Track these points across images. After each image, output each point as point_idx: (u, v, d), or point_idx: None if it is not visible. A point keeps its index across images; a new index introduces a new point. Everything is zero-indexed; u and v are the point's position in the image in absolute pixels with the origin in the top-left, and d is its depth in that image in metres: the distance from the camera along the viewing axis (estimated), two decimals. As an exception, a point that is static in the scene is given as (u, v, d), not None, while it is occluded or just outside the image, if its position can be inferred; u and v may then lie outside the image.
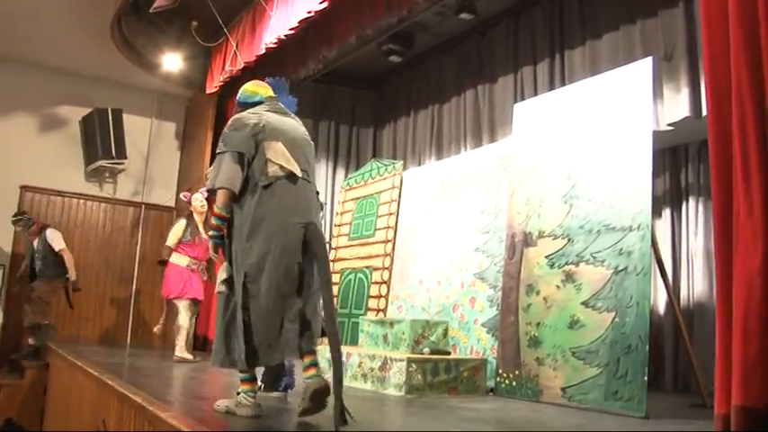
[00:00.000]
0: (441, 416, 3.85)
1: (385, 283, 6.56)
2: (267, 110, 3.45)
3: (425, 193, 6.62)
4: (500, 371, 4.95)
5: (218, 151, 3.35)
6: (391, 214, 6.80)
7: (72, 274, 7.58)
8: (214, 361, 3.29)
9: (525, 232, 5.07)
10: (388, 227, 6.78)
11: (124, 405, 3.89)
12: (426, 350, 4.94)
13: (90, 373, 4.93)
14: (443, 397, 4.60)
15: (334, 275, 7.29)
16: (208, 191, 3.50)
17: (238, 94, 3.64)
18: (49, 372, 7.33)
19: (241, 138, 3.27)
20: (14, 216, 7.89)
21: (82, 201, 8.90)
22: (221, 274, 3.32)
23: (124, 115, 8.68)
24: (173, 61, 8.07)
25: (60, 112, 8.80)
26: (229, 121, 3.41)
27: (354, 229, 7.35)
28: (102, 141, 8.57)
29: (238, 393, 3.27)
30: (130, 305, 8.86)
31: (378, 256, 6.81)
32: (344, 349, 5.22)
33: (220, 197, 3.25)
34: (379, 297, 6.57)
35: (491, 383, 5.01)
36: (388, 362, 4.66)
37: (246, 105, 3.54)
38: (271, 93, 3.63)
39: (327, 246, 3.48)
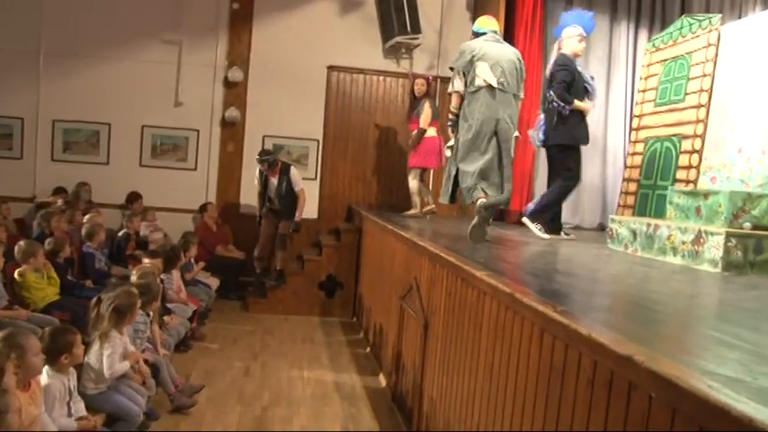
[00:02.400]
0: (765, 296, 3.52)
1: (696, 152, 5.99)
2: (486, 39, 5.27)
3: (749, 51, 5.77)
4: (841, 252, 4.33)
5: (450, 65, 5.38)
6: (705, 76, 6.09)
7: (299, 215, 8.07)
8: (441, 198, 5.45)
9: None
10: (702, 90, 6.09)
11: (436, 265, 4.15)
12: (747, 225, 4.48)
13: (402, 235, 5.32)
14: (766, 277, 4.18)
15: (638, 144, 6.89)
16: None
17: (474, 25, 5.50)
18: (361, 235, 8.10)
19: (463, 60, 5.19)
20: (261, 155, 8.06)
21: (381, 77, 9.36)
22: (451, 142, 5.37)
23: (416, -10, 8.80)
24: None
25: (357, -8, 9.20)
26: (460, 48, 5.29)
27: (661, 95, 6.73)
28: (397, 18, 8.83)
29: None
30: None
31: (689, 122, 6.19)
32: (651, 221, 5.00)
33: (453, 99, 5.30)
34: (689, 168, 6.04)
35: (828, 267, 4.42)
36: (703, 235, 4.33)
37: (477, 34, 5.37)
38: (494, 27, 5.42)
39: (516, 136, 5.23)
